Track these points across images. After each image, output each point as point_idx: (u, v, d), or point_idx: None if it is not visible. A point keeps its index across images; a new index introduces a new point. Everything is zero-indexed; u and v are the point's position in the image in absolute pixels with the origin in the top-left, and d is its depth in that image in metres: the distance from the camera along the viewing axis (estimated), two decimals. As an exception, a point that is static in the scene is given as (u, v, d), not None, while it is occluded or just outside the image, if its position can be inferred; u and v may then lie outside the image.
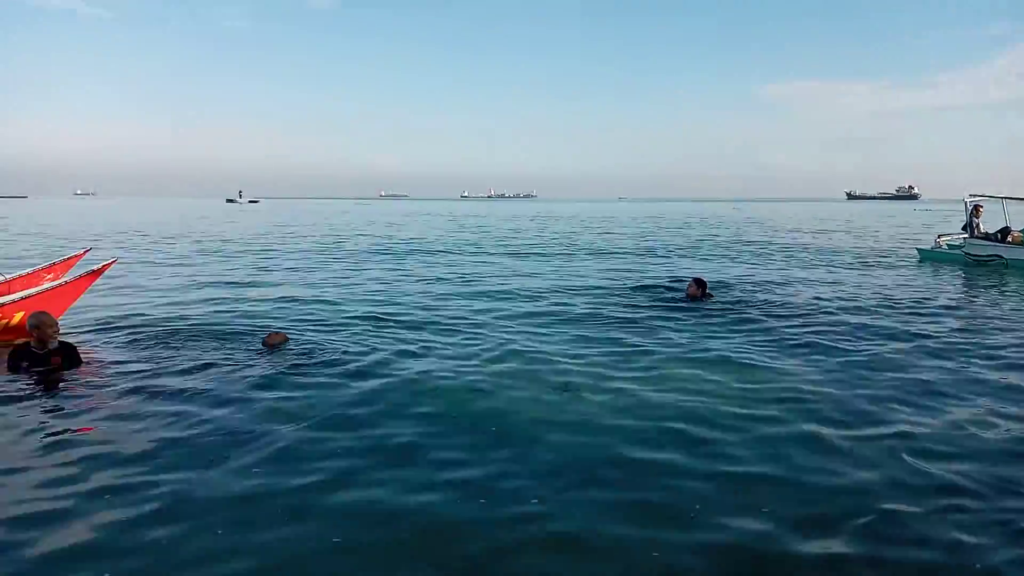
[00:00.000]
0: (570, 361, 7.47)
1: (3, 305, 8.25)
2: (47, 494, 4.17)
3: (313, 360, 7.42)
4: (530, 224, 44.82)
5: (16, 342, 7.32)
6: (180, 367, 7.13)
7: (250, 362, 7.32)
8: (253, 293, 12.80)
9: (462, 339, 8.66)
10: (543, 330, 9.21)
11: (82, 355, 7.11)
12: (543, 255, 21.28)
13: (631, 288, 13.09)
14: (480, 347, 8.16)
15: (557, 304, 11.30)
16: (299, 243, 26.22)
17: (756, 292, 12.60)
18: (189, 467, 4.56)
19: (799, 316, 10.15)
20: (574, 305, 11.17)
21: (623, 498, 4.23)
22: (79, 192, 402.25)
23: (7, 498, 4.13)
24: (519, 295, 12.34)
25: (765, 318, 9.93)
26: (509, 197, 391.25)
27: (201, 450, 4.89)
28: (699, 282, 11.64)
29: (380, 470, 4.60)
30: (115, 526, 3.79)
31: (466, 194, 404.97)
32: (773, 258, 20.01)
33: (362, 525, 3.86)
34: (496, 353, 7.83)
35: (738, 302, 11.29)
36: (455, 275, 15.71)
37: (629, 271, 16.55)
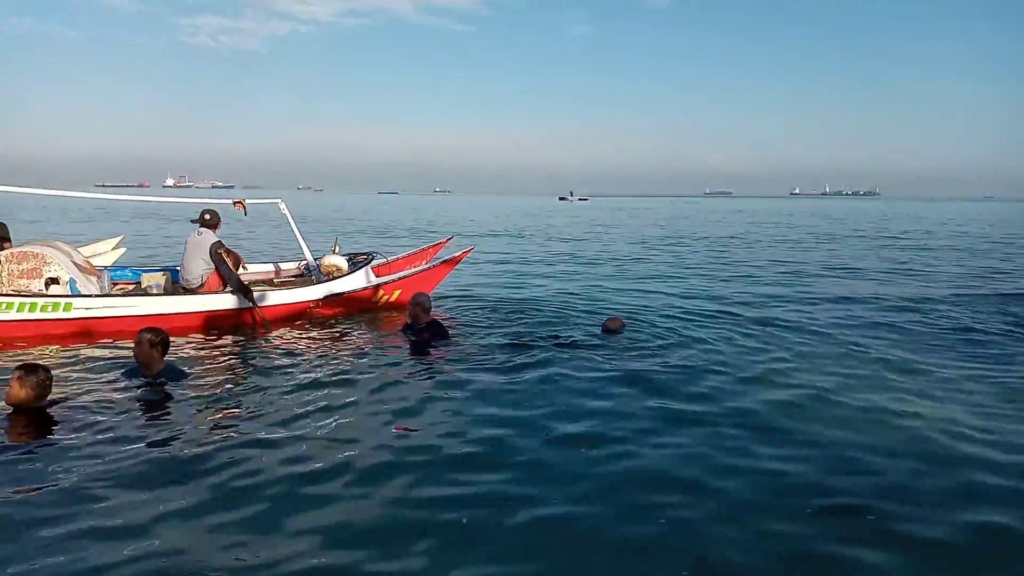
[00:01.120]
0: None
1: (385, 284, 9.36)
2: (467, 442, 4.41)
3: (654, 346, 7.48)
4: (884, 225, 39.73)
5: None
6: (532, 343, 7.49)
7: (591, 342, 7.56)
8: (592, 281, 13.10)
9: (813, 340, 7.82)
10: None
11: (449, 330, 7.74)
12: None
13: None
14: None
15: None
16: (633, 236, 26.49)
17: None
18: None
19: None
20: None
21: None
22: (438, 189, 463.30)
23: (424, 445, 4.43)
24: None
25: None
26: (846, 195, 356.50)
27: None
28: None
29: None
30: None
31: (796, 191, 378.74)
32: None
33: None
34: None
35: None
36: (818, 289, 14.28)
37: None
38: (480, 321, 8.90)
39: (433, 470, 4.26)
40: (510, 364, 6.66)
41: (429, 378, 6.28)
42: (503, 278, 13.65)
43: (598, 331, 8.09)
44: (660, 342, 7.69)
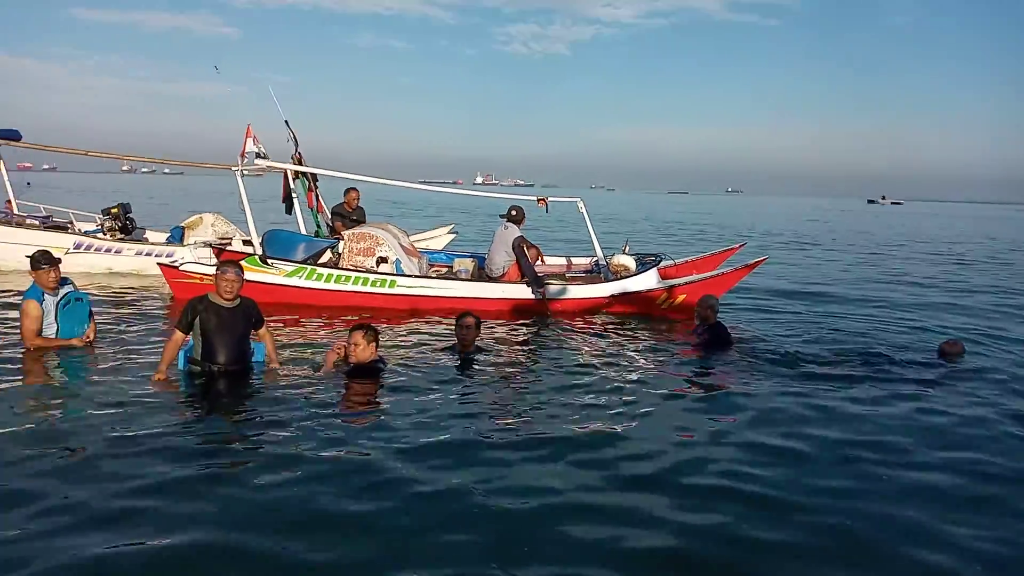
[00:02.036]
0: None
1: (672, 286, 9.31)
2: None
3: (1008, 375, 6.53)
4: None
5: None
6: (836, 358, 6.97)
7: (918, 362, 6.86)
8: (921, 296, 11.75)
9: None
10: None
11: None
12: None
13: None
14: None
15: None
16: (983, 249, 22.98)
17: None
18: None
19: None
20: None
21: None
22: (730, 189, 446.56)
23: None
24: None
25: None
26: None
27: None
28: None
29: None
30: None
31: None
32: None
33: None
34: None
35: None
36: None
37: None
38: (780, 332, 8.48)
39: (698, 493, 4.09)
40: (821, 378, 6.25)
41: (714, 387, 6.13)
42: (806, 286, 12.72)
43: (923, 352, 7.29)
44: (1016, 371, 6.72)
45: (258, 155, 9.39)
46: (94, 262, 11.18)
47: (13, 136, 12.11)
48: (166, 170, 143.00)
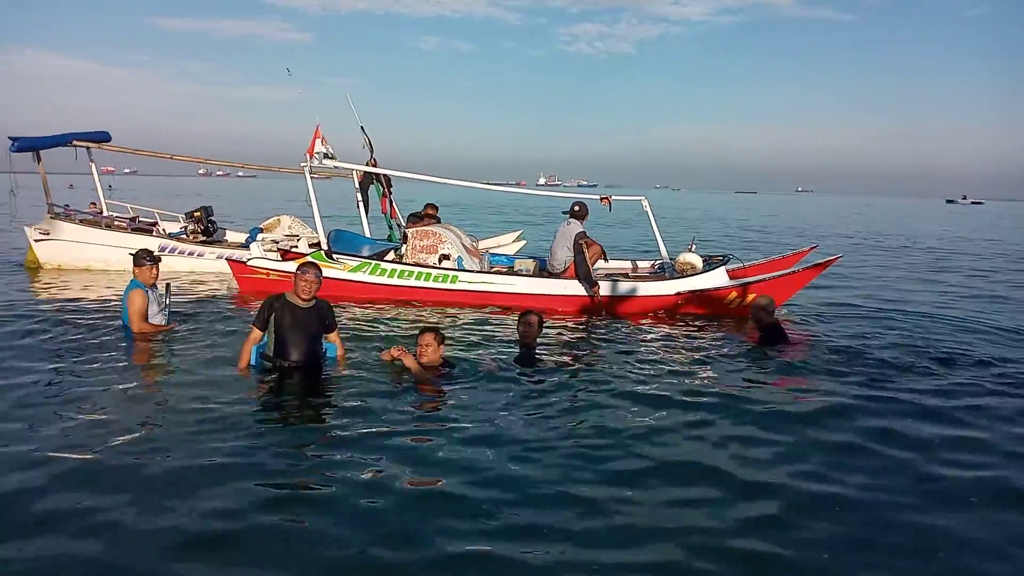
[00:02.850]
0: None
1: (739, 285, 9.07)
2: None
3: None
4: None
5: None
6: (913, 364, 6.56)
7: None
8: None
9: None
10: None
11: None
12: None
13: None
14: None
15: None
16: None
17: None
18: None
19: None
20: None
21: None
22: (800, 189, 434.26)
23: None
24: None
25: None
26: None
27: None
28: None
29: None
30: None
31: None
32: None
33: None
34: None
35: None
36: None
37: None
38: (853, 333, 8.12)
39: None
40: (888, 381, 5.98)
41: (780, 389, 5.94)
42: (882, 292, 12.21)
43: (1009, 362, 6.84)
44: None
45: (326, 155, 9.59)
46: (177, 265, 11.56)
47: (104, 138, 12.74)
48: (240, 173, 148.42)
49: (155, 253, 6.86)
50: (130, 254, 6.87)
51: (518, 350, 6.51)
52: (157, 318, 6.79)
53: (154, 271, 6.70)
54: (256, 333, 5.59)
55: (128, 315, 6.62)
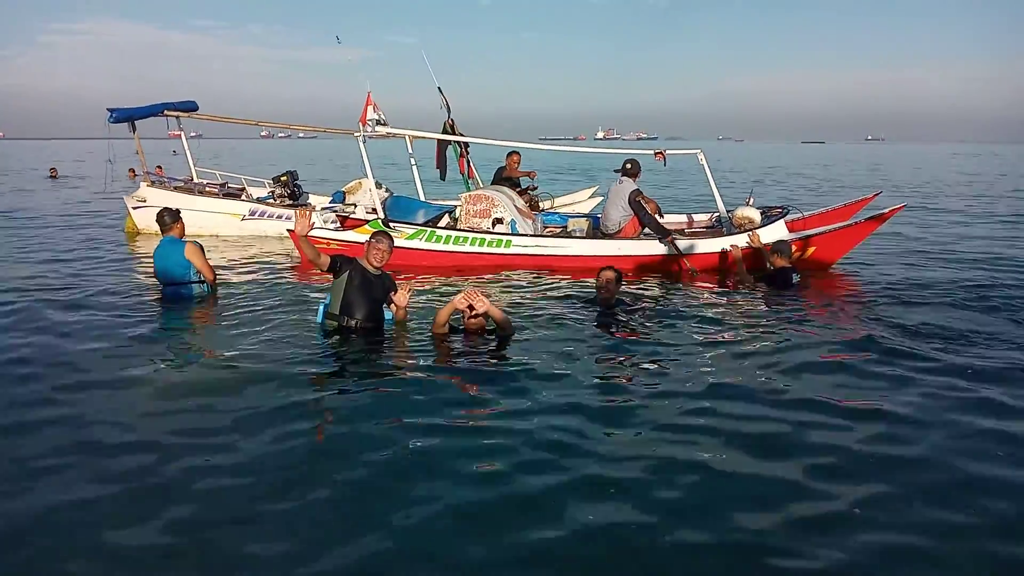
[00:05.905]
0: None
1: (798, 239, 8.84)
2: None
3: None
4: None
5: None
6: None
7: None
8: None
9: None
10: None
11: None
12: None
13: None
14: None
15: None
16: None
17: None
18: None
19: None
20: None
21: None
22: (870, 137, 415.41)
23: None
24: None
25: None
26: None
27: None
28: None
29: None
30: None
31: None
32: None
33: None
34: None
35: None
36: None
37: None
38: (911, 297, 7.74)
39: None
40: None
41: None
42: (943, 246, 11.70)
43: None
44: None
45: (378, 122, 9.71)
46: (267, 228, 12.12)
47: (191, 108, 13.31)
48: (300, 135, 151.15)
49: (173, 209, 7.42)
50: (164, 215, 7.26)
51: (596, 304, 6.60)
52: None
53: (182, 225, 7.27)
54: (324, 259, 5.66)
55: (200, 269, 7.10)
